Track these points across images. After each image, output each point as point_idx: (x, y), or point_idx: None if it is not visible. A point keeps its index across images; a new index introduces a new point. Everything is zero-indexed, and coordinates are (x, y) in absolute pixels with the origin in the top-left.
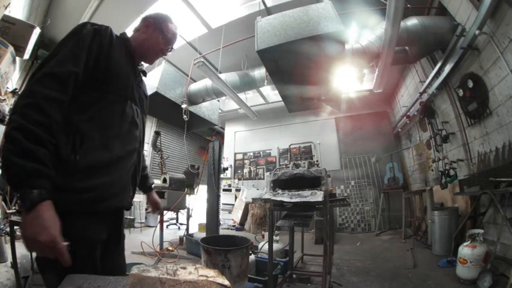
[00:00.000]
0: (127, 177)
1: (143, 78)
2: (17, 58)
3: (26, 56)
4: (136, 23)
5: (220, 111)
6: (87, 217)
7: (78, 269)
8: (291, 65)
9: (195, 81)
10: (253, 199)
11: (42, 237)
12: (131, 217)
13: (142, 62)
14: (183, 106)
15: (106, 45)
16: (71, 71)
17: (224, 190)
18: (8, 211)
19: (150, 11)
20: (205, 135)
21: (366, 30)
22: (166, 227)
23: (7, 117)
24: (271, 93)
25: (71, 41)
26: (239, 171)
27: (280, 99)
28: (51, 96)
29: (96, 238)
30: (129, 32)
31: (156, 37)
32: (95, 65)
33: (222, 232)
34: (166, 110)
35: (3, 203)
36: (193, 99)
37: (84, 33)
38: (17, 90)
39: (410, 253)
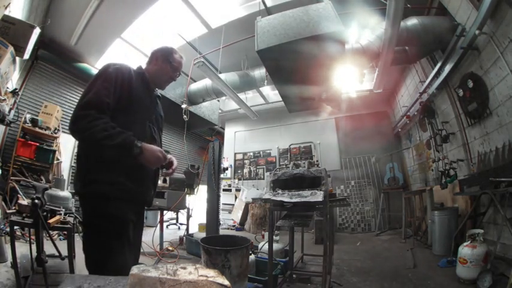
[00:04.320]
0: (148, 180)
1: (158, 101)
2: (17, 58)
3: (26, 56)
4: (137, 23)
5: (220, 111)
6: (121, 203)
7: (119, 239)
8: (290, 65)
9: (195, 81)
10: (253, 199)
11: (158, 157)
12: None
13: (157, 88)
14: (183, 106)
15: (126, 78)
16: (105, 101)
17: (224, 190)
18: (8, 211)
19: (150, 11)
20: (205, 135)
21: (365, 30)
22: (167, 227)
23: (7, 117)
24: (271, 93)
25: (101, 78)
26: (239, 171)
27: (280, 99)
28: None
29: (128, 217)
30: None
31: (165, 67)
32: (120, 95)
33: (222, 232)
34: (166, 110)
35: (3, 203)
36: (193, 99)
37: (110, 71)
38: (17, 90)
39: (410, 253)
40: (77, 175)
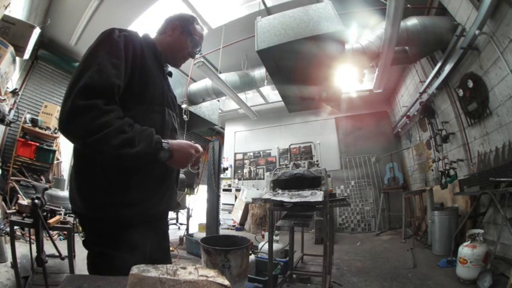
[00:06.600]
0: (174, 182)
1: (169, 78)
2: (17, 58)
3: (26, 56)
4: (138, 22)
5: (220, 111)
6: (139, 228)
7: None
8: (290, 65)
9: (195, 81)
10: (253, 199)
11: (190, 156)
12: None
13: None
14: (183, 106)
15: (139, 53)
16: (115, 83)
17: (224, 190)
18: (8, 211)
19: (151, 10)
20: (205, 135)
21: (366, 30)
22: None
23: (7, 117)
24: (271, 93)
25: (105, 49)
26: (239, 171)
27: (280, 99)
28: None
29: (147, 243)
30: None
31: (184, 40)
32: (130, 77)
33: (222, 232)
34: None
35: (3, 203)
36: (193, 99)
37: (116, 39)
38: (17, 90)
39: (410, 253)
40: (76, 189)
